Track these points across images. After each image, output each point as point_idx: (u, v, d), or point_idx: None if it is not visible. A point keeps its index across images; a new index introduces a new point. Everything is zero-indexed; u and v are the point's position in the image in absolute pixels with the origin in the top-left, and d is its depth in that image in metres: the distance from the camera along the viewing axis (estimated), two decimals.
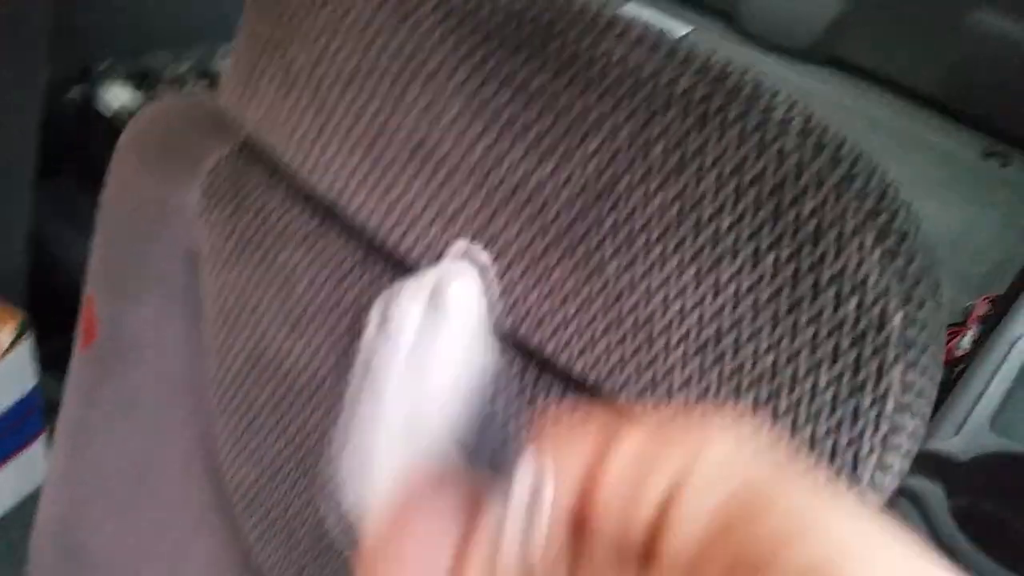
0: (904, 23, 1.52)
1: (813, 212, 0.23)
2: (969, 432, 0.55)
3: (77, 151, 1.29)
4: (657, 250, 0.26)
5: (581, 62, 0.28)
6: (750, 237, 0.24)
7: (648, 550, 0.14)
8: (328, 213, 0.37)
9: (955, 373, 0.95)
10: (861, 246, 0.22)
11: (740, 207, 0.24)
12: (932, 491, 0.52)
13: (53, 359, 0.92)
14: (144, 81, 1.34)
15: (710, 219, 0.24)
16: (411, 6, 0.31)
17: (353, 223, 0.35)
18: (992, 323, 1.02)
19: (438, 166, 0.32)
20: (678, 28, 1.59)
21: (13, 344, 0.75)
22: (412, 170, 0.32)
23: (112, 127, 1.26)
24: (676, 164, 0.26)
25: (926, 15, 1.48)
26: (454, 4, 0.30)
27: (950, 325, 1.10)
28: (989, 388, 0.60)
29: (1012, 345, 0.63)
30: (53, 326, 0.94)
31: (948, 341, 1.08)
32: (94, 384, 0.49)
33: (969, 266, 1.23)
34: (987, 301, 1.12)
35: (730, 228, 0.24)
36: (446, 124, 0.31)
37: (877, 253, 0.22)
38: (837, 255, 0.23)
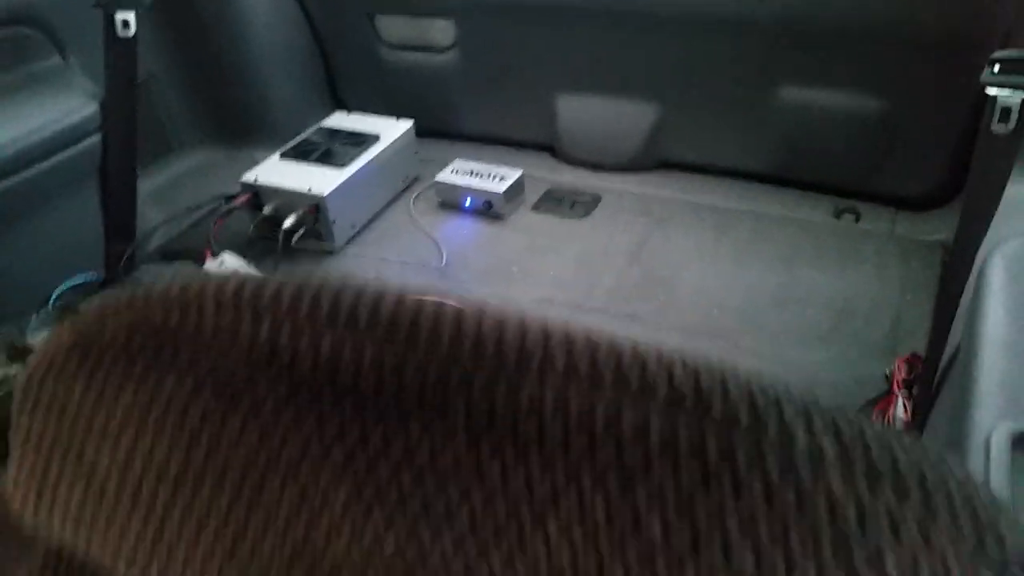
0: (719, 112, 1.56)
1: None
2: None
3: None
4: None
5: (502, 419, 0.20)
6: None
7: None
8: None
9: None
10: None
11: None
12: None
13: None
14: None
15: None
16: (238, 385, 0.22)
17: None
18: (922, 396, 1.00)
19: (335, 571, 0.22)
20: (510, 173, 1.57)
21: None
22: None
23: None
24: (688, 544, 0.18)
25: (737, 100, 1.53)
26: (301, 373, 0.21)
27: (878, 397, 1.07)
28: None
29: (987, 446, 0.58)
30: None
31: (884, 412, 1.04)
32: None
33: (867, 330, 1.21)
34: (905, 363, 1.09)
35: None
36: (333, 520, 0.22)
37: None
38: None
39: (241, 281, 0.24)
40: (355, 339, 0.21)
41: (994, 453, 0.57)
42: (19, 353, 1.30)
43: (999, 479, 0.56)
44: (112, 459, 0.25)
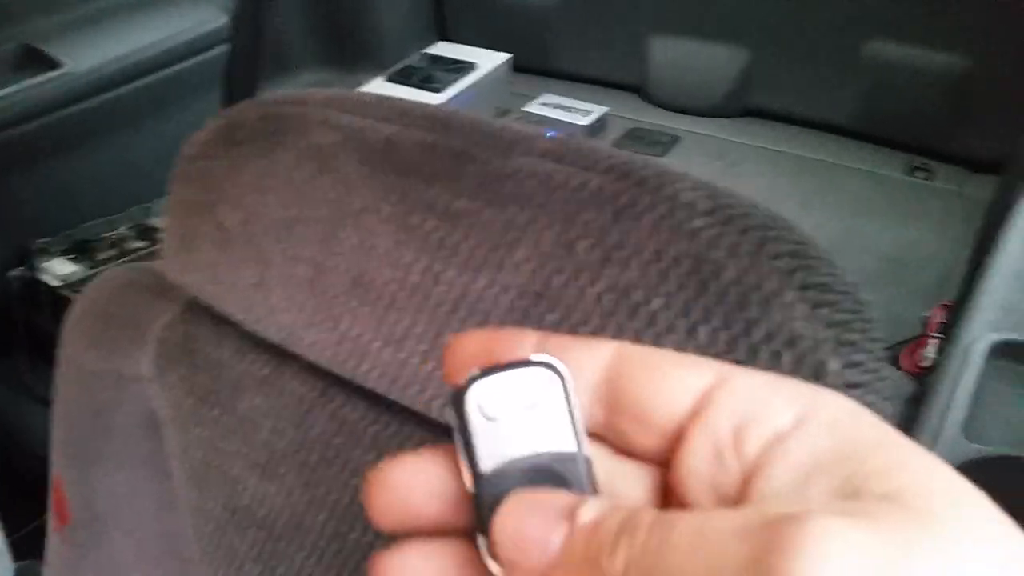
0: (807, 63, 1.59)
1: (734, 282, 0.24)
2: (945, 443, 0.56)
3: (25, 328, 1.29)
4: None
5: (495, 181, 0.30)
6: (683, 314, 0.25)
7: (748, 478, 0.16)
8: (281, 356, 0.38)
9: (926, 385, 0.96)
10: (784, 304, 0.23)
11: (665, 289, 0.25)
12: None
13: (24, 543, 0.90)
14: (83, 251, 1.35)
15: (643, 303, 0.25)
16: (326, 157, 0.33)
17: (307, 361, 0.36)
18: (947, 339, 1.05)
19: (379, 295, 0.33)
20: (595, 110, 1.65)
21: None
22: (356, 302, 0.33)
23: (57, 300, 1.27)
24: (600, 259, 0.27)
25: (825, 53, 1.56)
26: (368, 150, 0.32)
27: (913, 338, 1.13)
28: (955, 397, 0.61)
29: (967, 351, 0.65)
30: (20, 507, 0.93)
31: (912, 353, 1.10)
32: (75, 563, 0.48)
33: (918, 278, 1.26)
34: (943, 308, 1.14)
35: (662, 309, 0.25)
36: (380, 256, 0.32)
37: (801, 307, 0.23)
38: (764, 317, 0.23)
39: (338, 92, 0.35)
40: (407, 127, 0.32)
41: (972, 358, 0.64)
42: (145, 231, 1.48)
43: (969, 381, 0.63)
44: (237, 217, 0.36)
